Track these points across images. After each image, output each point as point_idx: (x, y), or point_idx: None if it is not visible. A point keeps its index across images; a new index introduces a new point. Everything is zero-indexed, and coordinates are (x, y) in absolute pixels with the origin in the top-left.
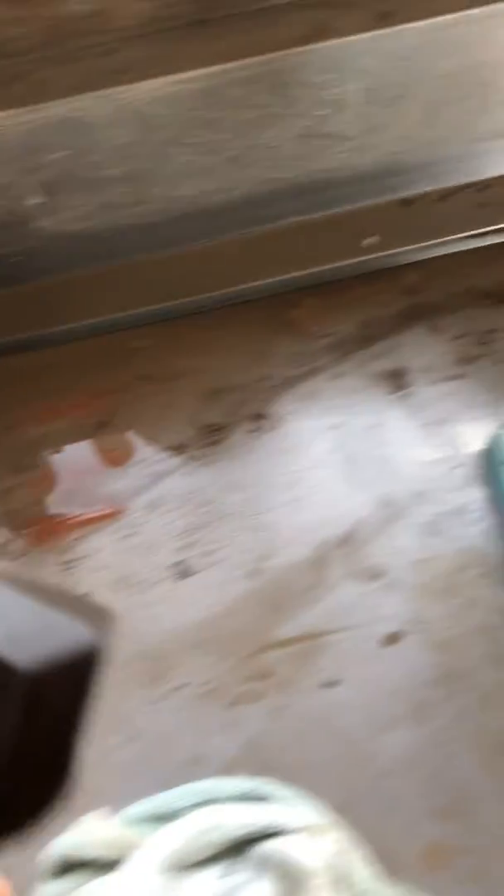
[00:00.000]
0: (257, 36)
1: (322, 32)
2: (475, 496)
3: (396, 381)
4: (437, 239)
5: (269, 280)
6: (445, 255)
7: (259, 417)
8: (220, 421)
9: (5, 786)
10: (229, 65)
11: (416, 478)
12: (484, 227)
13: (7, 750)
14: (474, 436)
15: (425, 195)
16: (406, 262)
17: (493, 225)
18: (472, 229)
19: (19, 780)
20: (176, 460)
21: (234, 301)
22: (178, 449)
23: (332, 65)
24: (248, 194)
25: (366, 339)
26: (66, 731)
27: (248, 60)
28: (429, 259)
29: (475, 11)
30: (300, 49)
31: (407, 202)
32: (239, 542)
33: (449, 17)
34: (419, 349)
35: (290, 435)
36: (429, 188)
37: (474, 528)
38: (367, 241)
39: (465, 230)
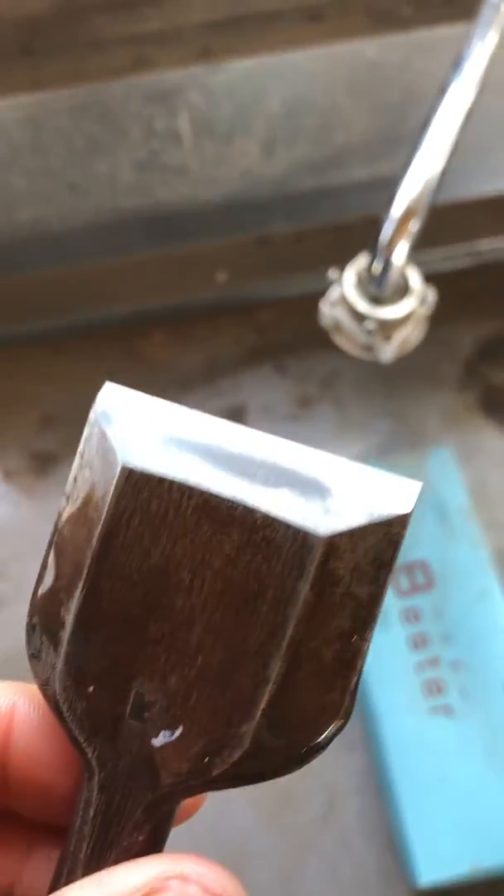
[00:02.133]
0: (82, 66)
1: (145, 65)
2: None
3: (235, 418)
4: (290, 279)
5: (120, 309)
6: (298, 296)
7: None
8: (53, 450)
9: (282, 685)
10: (54, 92)
11: None
12: (338, 268)
13: (290, 633)
14: None
15: (280, 234)
16: (259, 299)
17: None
18: (326, 271)
19: (297, 679)
20: (1, 487)
21: (83, 328)
22: (6, 476)
23: (158, 97)
24: (92, 223)
25: (211, 374)
26: (356, 622)
27: (72, 89)
28: (281, 298)
29: (296, 54)
30: (124, 80)
31: (262, 240)
32: None
33: (272, 56)
34: (262, 388)
35: None
36: (283, 227)
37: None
38: (221, 277)
39: (318, 271)
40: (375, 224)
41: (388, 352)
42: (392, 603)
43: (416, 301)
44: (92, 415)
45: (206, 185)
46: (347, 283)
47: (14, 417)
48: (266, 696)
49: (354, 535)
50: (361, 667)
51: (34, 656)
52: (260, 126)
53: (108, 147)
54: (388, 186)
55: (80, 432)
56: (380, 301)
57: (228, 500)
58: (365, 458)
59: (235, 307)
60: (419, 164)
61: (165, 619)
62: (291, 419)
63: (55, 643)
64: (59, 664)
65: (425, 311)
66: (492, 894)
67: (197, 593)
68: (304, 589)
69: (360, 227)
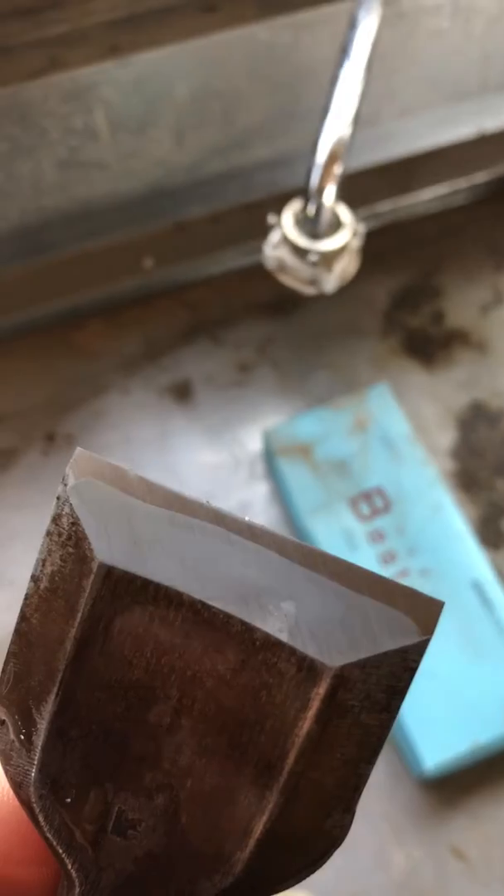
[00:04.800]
0: None
1: (57, 65)
2: (259, 492)
3: (181, 392)
4: (212, 258)
5: (53, 306)
6: (223, 273)
7: (51, 438)
8: (11, 445)
9: (283, 816)
10: None
11: (202, 480)
12: (255, 243)
13: (290, 767)
14: (255, 436)
15: (197, 218)
16: (186, 280)
17: (263, 242)
18: (245, 247)
19: (295, 810)
20: None
21: (19, 328)
22: None
23: (73, 96)
24: (19, 225)
25: (151, 355)
26: (362, 750)
27: None
28: (208, 276)
29: (196, 42)
30: (40, 82)
31: (181, 225)
32: (31, 560)
33: (174, 47)
34: (202, 360)
35: None
36: (199, 211)
37: (256, 521)
38: (147, 263)
39: (238, 248)
40: (282, 199)
41: (330, 282)
42: (357, 528)
43: (349, 232)
44: (61, 490)
45: (124, 177)
46: (287, 225)
47: None
48: (261, 828)
49: (367, 664)
50: (363, 787)
51: (5, 755)
52: (169, 115)
53: (30, 148)
54: (290, 162)
55: (33, 426)
56: (317, 237)
57: (223, 614)
58: (309, 408)
59: (165, 290)
60: (334, 113)
61: (151, 738)
62: (235, 385)
63: (28, 747)
64: (34, 771)
65: (357, 242)
66: (493, 775)
67: (186, 714)
68: (308, 722)
69: (269, 203)
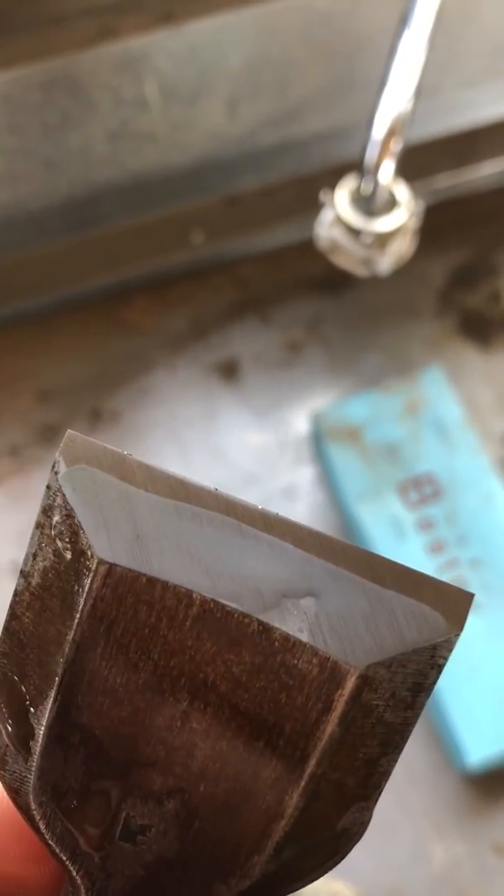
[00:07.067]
0: (48, 40)
1: (109, 34)
2: (305, 475)
3: (228, 371)
4: (262, 233)
5: (100, 281)
6: (273, 249)
7: (96, 414)
8: (57, 420)
9: (307, 817)
10: (24, 69)
11: (248, 461)
12: (307, 218)
13: (311, 770)
14: (303, 417)
15: (249, 191)
16: (235, 256)
17: (315, 216)
18: (297, 221)
19: (315, 811)
20: (11, 462)
21: (65, 304)
22: (14, 451)
23: (124, 66)
24: (68, 197)
25: (198, 332)
26: (385, 748)
27: (42, 65)
28: (257, 252)
29: (256, 9)
30: (91, 51)
31: (232, 198)
32: None
33: (229, 15)
34: (251, 339)
35: (127, 430)
36: (250, 183)
37: (302, 505)
38: (196, 238)
39: (290, 223)
40: (337, 172)
41: (384, 264)
42: (405, 516)
43: (406, 212)
44: (52, 478)
45: (174, 149)
46: (341, 203)
47: (13, 395)
48: (280, 832)
49: (394, 663)
50: (385, 783)
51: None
52: (222, 86)
53: (81, 120)
54: (346, 135)
55: (79, 401)
56: (372, 216)
57: (238, 613)
58: (359, 390)
59: (214, 265)
60: (393, 85)
61: (160, 742)
62: (284, 365)
63: (25, 752)
64: (32, 778)
65: (415, 222)
66: None
67: (198, 718)
68: (331, 725)
69: (323, 176)
